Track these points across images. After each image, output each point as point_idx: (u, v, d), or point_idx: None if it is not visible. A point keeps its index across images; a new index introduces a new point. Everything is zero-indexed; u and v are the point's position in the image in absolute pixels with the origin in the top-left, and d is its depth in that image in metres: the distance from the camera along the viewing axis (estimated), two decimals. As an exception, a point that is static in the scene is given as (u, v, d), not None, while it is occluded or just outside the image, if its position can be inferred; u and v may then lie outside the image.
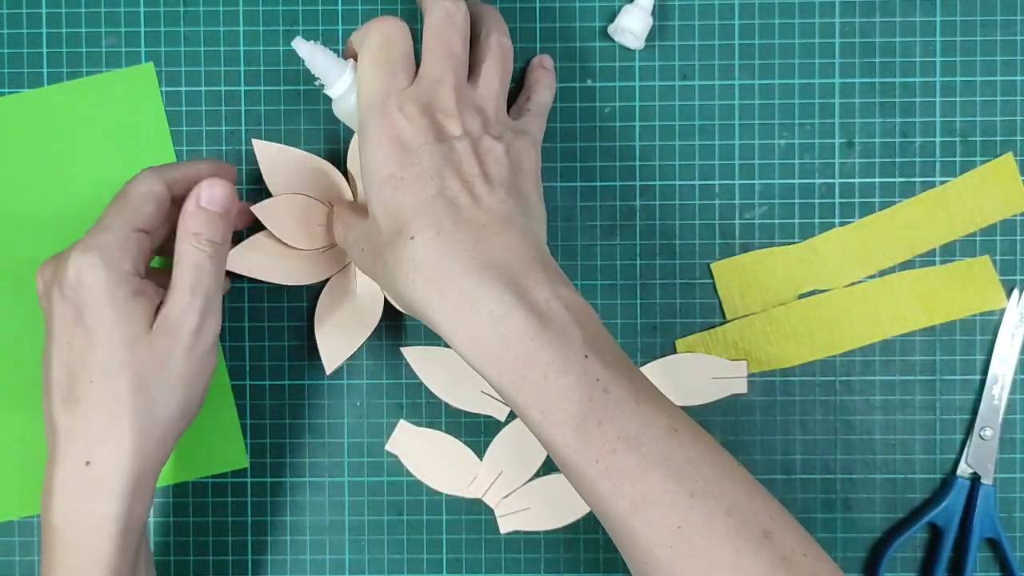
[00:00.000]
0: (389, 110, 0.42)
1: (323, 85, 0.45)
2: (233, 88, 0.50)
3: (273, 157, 0.49)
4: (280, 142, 0.50)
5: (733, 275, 0.50)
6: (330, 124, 0.50)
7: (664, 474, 0.37)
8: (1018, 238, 0.50)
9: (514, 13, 0.50)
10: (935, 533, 0.50)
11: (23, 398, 0.50)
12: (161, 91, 0.50)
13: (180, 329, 0.42)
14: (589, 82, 0.50)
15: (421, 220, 0.40)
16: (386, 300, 0.49)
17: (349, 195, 0.49)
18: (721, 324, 0.50)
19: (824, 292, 0.50)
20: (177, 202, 0.44)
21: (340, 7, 0.50)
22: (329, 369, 0.49)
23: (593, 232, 0.50)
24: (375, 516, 0.51)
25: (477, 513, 0.51)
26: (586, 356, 0.38)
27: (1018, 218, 0.50)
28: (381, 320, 0.49)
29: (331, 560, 0.51)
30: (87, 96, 0.50)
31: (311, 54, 0.44)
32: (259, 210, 0.47)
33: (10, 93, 0.50)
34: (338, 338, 0.49)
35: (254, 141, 0.49)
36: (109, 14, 0.50)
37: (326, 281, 0.50)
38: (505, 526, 0.50)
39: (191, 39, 0.50)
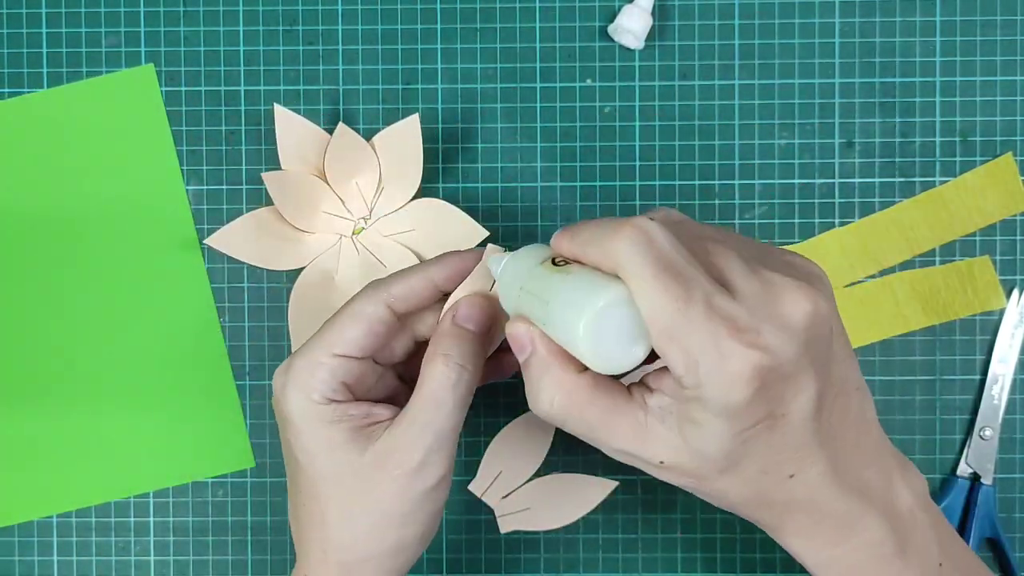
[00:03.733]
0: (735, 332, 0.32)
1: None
2: (233, 88, 0.50)
3: (293, 128, 0.49)
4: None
5: (733, 275, 0.50)
6: (329, 124, 0.50)
7: None
8: (1018, 238, 0.50)
9: (514, 13, 0.50)
10: (935, 533, 0.50)
11: (23, 400, 0.50)
12: (161, 91, 0.50)
13: (398, 466, 0.38)
14: (589, 82, 0.50)
15: (806, 459, 0.35)
16: None
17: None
18: (721, 324, 0.50)
19: (824, 292, 0.50)
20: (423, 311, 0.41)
21: (340, 7, 0.50)
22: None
23: (593, 232, 0.50)
24: (375, 516, 0.51)
25: (477, 513, 0.51)
26: (940, 565, 0.38)
27: (1018, 218, 0.50)
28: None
29: (331, 560, 0.51)
30: (88, 98, 0.50)
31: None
32: (269, 179, 0.48)
33: (10, 93, 0.50)
34: (312, 327, 0.49)
35: (275, 106, 0.49)
36: (109, 14, 0.50)
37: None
38: (505, 526, 0.50)
39: (191, 39, 0.50)
